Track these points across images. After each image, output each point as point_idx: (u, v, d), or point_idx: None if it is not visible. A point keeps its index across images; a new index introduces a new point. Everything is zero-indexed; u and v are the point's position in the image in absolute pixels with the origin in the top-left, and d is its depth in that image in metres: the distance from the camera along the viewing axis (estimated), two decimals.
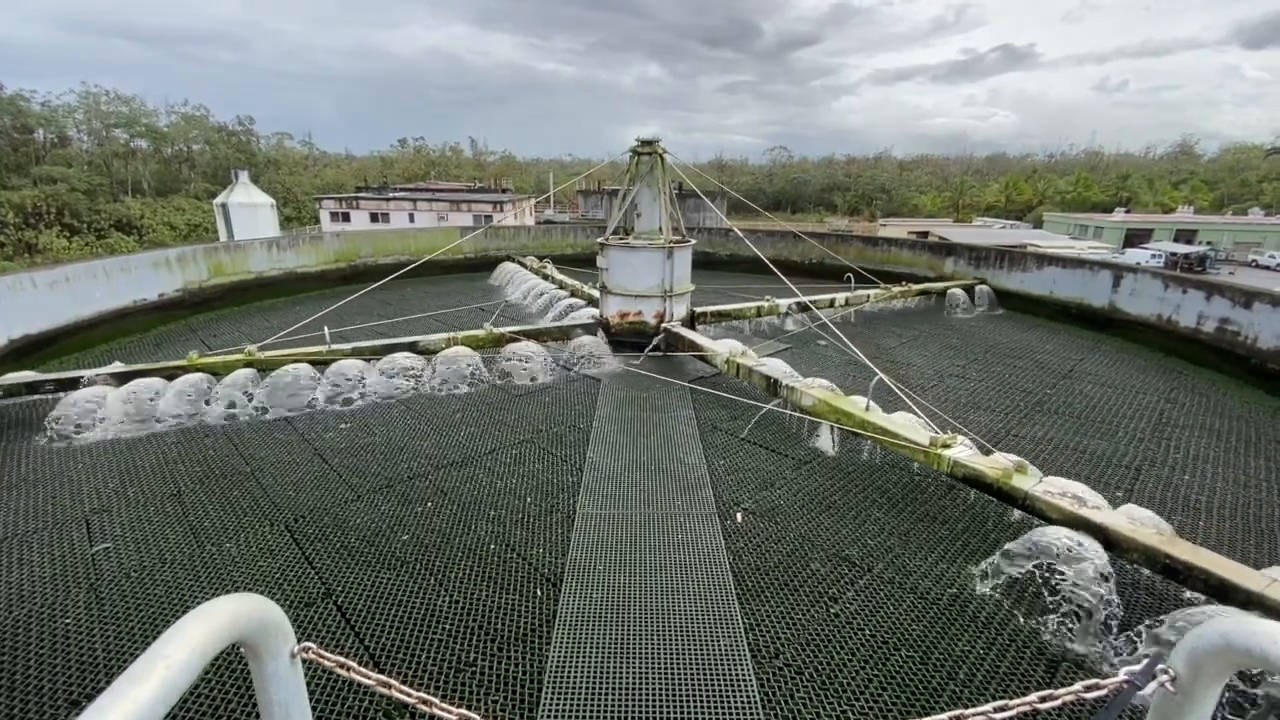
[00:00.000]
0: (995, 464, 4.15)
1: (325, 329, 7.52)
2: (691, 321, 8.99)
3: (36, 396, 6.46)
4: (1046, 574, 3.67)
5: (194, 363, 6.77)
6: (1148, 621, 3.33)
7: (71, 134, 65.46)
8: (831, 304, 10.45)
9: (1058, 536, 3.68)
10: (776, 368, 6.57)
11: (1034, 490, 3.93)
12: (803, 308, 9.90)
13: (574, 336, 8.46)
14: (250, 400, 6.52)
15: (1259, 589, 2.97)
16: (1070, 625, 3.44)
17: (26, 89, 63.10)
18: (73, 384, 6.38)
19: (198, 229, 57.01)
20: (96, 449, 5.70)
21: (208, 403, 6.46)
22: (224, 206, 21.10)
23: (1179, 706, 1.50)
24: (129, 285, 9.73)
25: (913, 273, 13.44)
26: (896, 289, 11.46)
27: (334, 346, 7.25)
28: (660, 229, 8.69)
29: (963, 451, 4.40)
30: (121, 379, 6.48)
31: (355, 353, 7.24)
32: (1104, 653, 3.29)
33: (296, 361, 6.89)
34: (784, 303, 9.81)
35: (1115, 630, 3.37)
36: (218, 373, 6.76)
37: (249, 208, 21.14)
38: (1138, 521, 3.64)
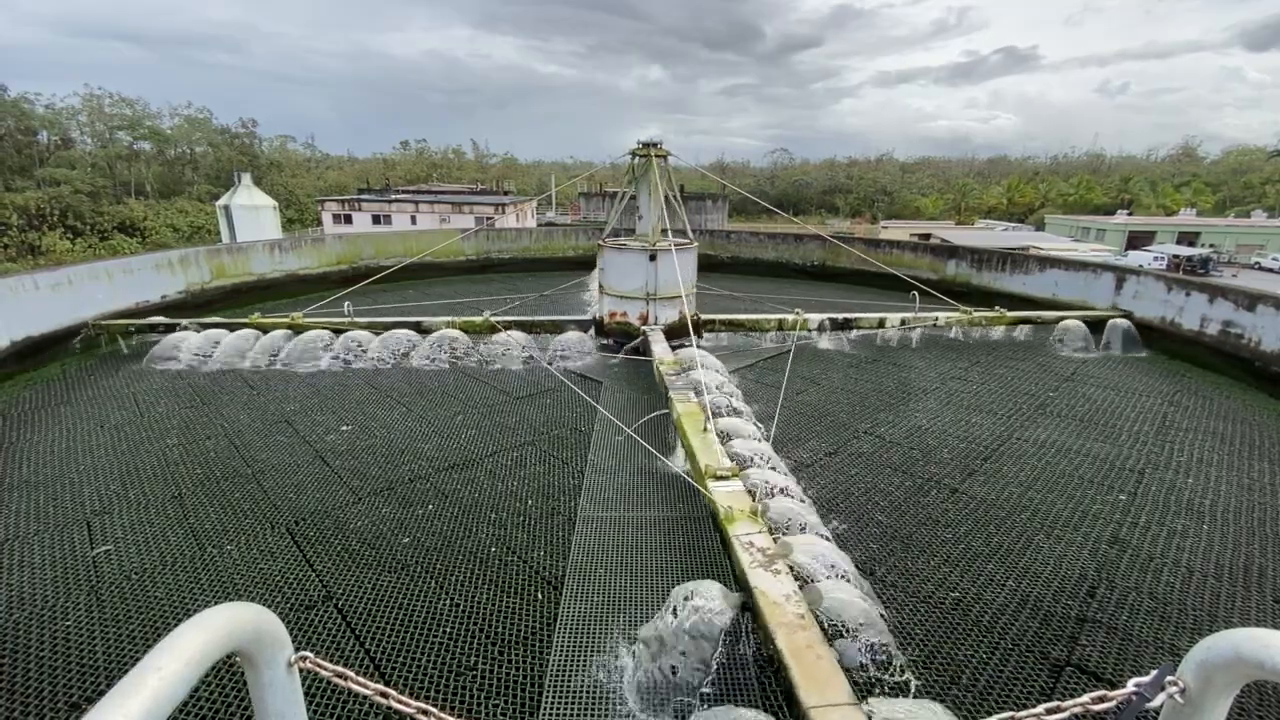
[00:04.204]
0: (725, 505, 3.83)
1: (347, 304, 9.01)
2: (697, 328, 8.96)
3: (150, 335, 8.79)
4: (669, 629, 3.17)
5: (254, 321, 8.84)
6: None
7: (75, 136, 65.72)
8: (881, 324, 9.18)
9: (691, 593, 3.22)
10: (688, 380, 6.25)
11: (736, 538, 3.53)
12: (838, 325, 9.12)
13: (564, 331, 8.77)
14: (277, 357, 8.25)
15: (808, 706, 2.45)
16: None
17: (28, 91, 63.34)
18: (170, 328, 8.76)
19: (200, 231, 57.14)
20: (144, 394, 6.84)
21: (244, 355, 8.28)
22: (226, 208, 21.18)
23: (1188, 718, 1.48)
24: (131, 287, 9.75)
25: (915, 274, 13.33)
26: (981, 313, 9.49)
27: (353, 319, 8.83)
28: (662, 231, 8.69)
29: (723, 486, 4.08)
30: (203, 327, 8.74)
31: (369, 326, 8.74)
32: None
33: (323, 328, 8.66)
34: (815, 317, 9.05)
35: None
36: (266, 330, 8.67)
37: (251, 210, 21.22)
38: (817, 598, 3.11)
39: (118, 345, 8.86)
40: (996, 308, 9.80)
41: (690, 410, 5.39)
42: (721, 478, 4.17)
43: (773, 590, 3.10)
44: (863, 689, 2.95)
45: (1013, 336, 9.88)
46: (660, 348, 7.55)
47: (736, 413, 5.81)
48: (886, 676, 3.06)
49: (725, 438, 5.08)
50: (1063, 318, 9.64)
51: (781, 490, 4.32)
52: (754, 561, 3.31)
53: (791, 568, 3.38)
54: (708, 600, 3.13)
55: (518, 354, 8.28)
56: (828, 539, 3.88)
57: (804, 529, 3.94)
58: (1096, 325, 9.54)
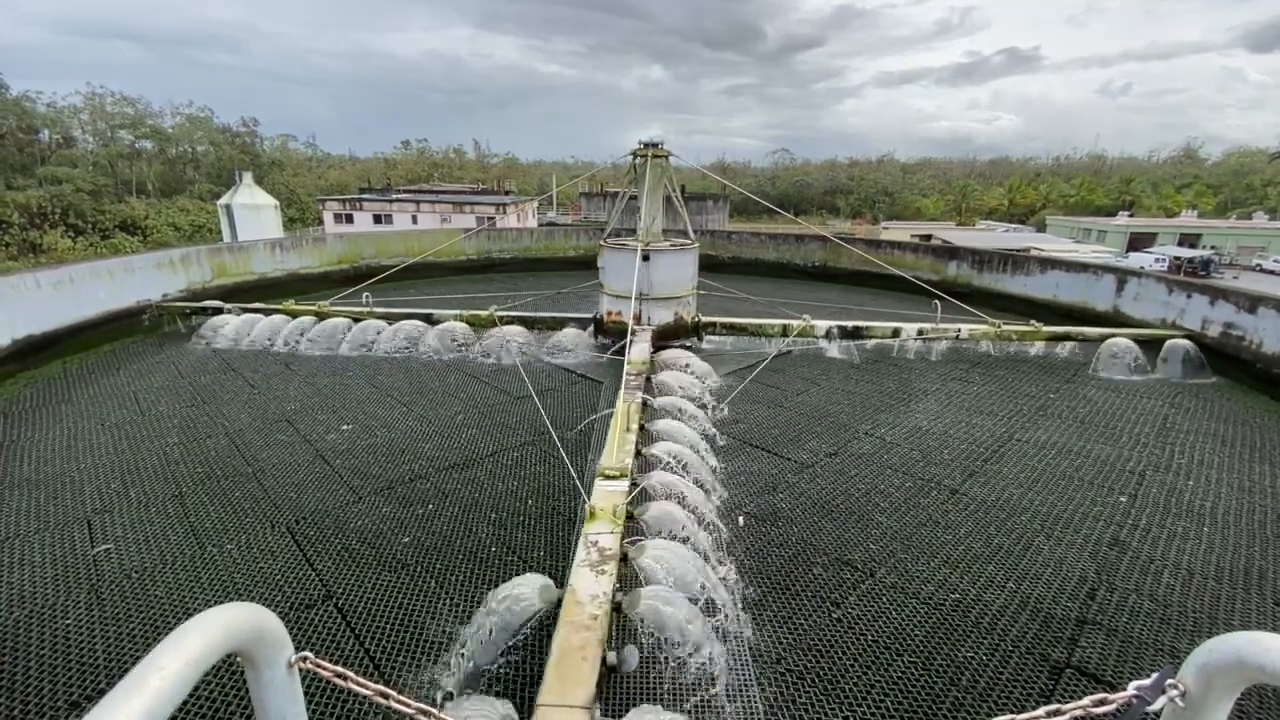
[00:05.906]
0: (593, 503, 3.79)
1: (366, 295, 9.63)
2: (696, 330, 8.97)
3: (204, 317, 9.81)
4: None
5: (286, 307, 9.66)
6: None
7: (76, 135, 65.75)
8: (895, 334, 8.78)
9: (515, 585, 3.22)
10: (640, 381, 6.25)
11: (584, 536, 3.46)
12: (848, 333, 8.76)
13: (564, 328, 8.98)
14: (302, 340, 9.03)
15: (539, 704, 2.42)
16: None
17: (30, 90, 63.42)
18: (218, 311, 9.84)
19: (201, 230, 57.08)
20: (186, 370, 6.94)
21: (272, 339, 9.13)
22: (228, 207, 21.16)
23: None
24: (133, 286, 9.76)
25: (915, 275, 13.28)
26: (1013, 326, 8.67)
27: (371, 310, 9.43)
28: (661, 230, 8.72)
29: (609, 485, 4.05)
30: (243, 311, 9.79)
31: (385, 316, 9.38)
32: None
33: (344, 316, 9.40)
34: (822, 324, 8.73)
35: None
36: (295, 315, 9.45)
37: (253, 209, 21.20)
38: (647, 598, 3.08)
39: (176, 325, 10.04)
40: (1032, 322, 8.80)
41: (623, 410, 5.42)
42: (610, 476, 4.14)
43: (583, 589, 3.04)
44: (639, 699, 2.97)
45: (1053, 353, 8.88)
46: (638, 348, 7.40)
47: (688, 415, 5.89)
48: (686, 679, 3.06)
49: (655, 438, 5.16)
50: (1110, 334, 8.51)
51: (673, 494, 4.30)
52: (584, 560, 3.27)
53: (636, 571, 3.40)
54: (521, 592, 3.17)
55: (518, 349, 8.53)
56: (694, 547, 3.80)
57: (681, 536, 3.89)
58: (1151, 344, 8.45)
